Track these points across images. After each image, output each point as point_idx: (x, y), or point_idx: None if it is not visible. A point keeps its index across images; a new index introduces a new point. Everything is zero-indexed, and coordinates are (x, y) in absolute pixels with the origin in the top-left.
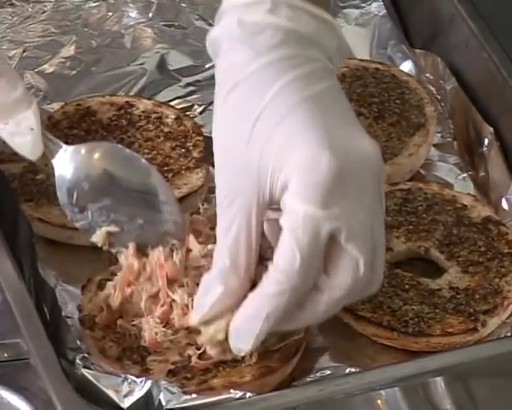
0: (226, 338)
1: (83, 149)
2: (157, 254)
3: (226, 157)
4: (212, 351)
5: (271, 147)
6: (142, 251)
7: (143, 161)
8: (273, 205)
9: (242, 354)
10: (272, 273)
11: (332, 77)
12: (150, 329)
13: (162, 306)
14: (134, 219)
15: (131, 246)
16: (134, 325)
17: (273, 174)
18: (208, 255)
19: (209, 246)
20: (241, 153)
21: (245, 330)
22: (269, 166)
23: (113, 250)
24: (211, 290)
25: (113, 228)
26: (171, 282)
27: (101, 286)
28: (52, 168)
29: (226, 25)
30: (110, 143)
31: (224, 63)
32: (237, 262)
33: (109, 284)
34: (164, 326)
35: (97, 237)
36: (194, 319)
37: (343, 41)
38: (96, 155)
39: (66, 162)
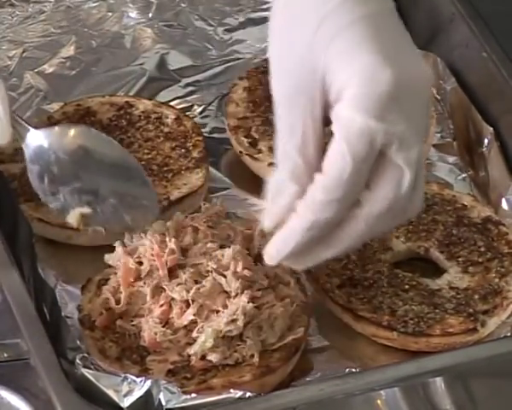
0: (218, 345)
1: (55, 128)
2: (149, 245)
3: (287, 59)
4: (211, 357)
5: (336, 49)
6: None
7: (111, 139)
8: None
9: (273, 263)
10: (320, 180)
11: None
12: (150, 329)
13: (161, 306)
14: (106, 199)
15: (118, 246)
16: (134, 325)
17: (335, 75)
18: (207, 253)
19: (208, 244)
20: (303, 54)
21: (284, 239)
22: (333, 66)
23: (90, 229)
24: (282, 192)
25: (85, 209)
26: (172, 270)
27: (100, 286)
28: (22, 152)
29: None
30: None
31: None
32: (308, 160)
33: (105, 288)
34: (163, 326)
35: (71, 218)
36: (267, 223)
37: None
38: (71, 133)
39: (36, 146)
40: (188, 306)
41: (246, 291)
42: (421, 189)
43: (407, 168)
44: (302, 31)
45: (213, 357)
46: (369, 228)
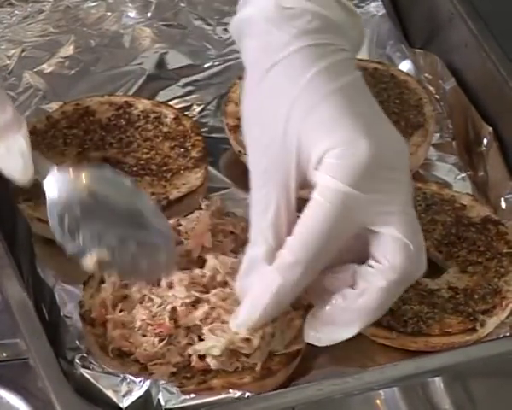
0: (223, 355)
1: (70, 171)
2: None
3: (260, 139)
4: (210, 361)
5: (312, 123)
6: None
7: (129, 182)
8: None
9: (242, 333)
10: (289, 242)
11: (355, 67)
12: (140, 345)
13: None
14: (125, 243)
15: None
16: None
17: (314, 146)
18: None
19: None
20: (277, 133)
21: (252, 304)
22: (311, 138)
23: (104, 273)
24: (256, 269)
25: (103, 253)
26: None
27: (102, 282)
28: (44, 190)
29: (262, 7)
30: (99, 166)
31: (259, 43)
32: (282, 238)
33: (104, 286)
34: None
35: (87, 261)
36: (239, 296)
37: (363, 34)
38: (83, 177)
39: (57, 185)
40: (193, 306)
41: None
42: (423, 246)
43: (405, 239)
44: (274, 112)
45: (212, 364)
46: (388, 297)
